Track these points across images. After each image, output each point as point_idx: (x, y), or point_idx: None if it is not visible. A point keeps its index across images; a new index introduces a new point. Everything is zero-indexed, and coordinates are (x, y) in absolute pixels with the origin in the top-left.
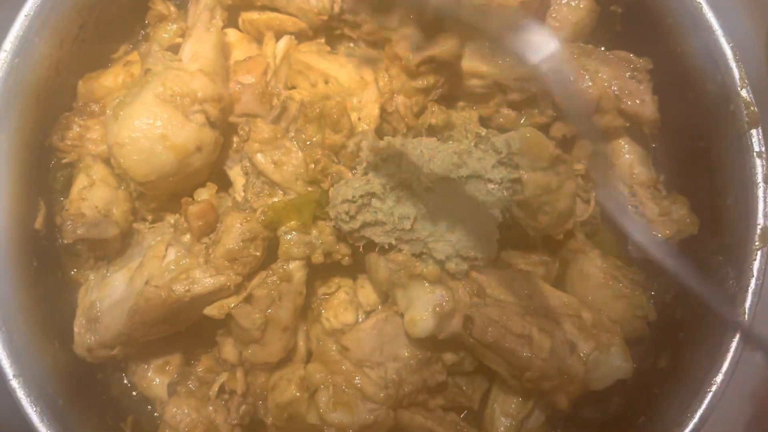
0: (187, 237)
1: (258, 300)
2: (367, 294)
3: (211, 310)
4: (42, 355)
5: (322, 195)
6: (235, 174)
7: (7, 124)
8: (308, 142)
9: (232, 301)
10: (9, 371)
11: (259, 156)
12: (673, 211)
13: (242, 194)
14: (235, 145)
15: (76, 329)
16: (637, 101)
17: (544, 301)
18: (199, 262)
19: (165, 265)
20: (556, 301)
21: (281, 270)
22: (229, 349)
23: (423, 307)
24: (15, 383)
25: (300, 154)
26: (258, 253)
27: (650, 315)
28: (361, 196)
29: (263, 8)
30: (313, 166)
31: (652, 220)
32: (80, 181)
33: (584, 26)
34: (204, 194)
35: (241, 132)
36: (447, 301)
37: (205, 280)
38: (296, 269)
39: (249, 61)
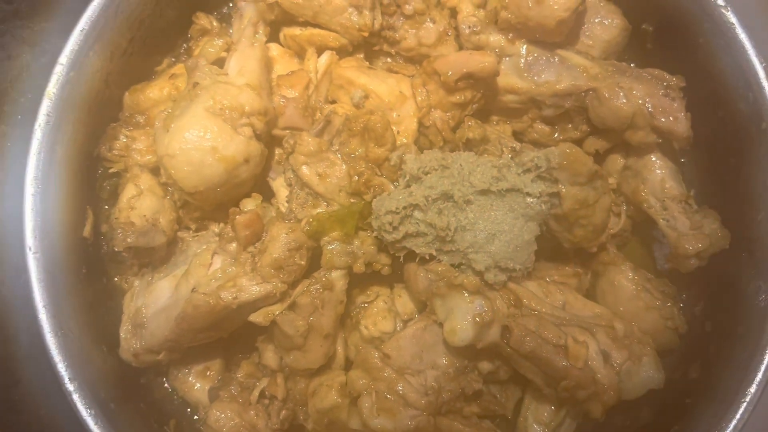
0: (233, 246)
1: (301, 308)
2: (405, 303)
3: (257, 317)
4: (92, 359)
5: (364, 207)
6: (278, 185)
7: (61, 135)
8: (352, 155)
9: (276, 309)
10: (65, 374)
11: (304, 168)
12: (705, 225)
13: (285, 205)
14: (277, 157)
15: (122, 335)
16: (671, 118)
17: (578, 312)
18: (245, 270)
19: (211, 273)
20: (590, 312)
21: (324, 279)
22: (270, 356)
23: (462, 316)
24: (70, 387)
25: (344, 166)
26: (303, 262)
27: (681, 326)
28: (404, 208)
29: (305, 24)
30: (356, 178)
31: (684, 233)
32: (128, 191)
33: (616, 44)
34: (250, 204)
35: (286, 145)
36: (486, 311)
37: (252, 288)
38: (338, 278)
39: (292, 75)
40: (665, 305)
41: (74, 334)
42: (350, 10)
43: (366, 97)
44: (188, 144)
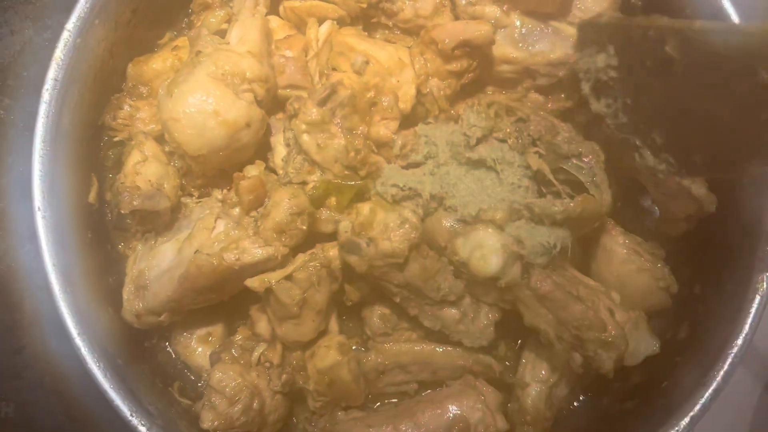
0: (236, 211)
1: (298, 281)
2: None
3: (253, 283)
4: (99, 320)
5: (363, 186)
6: (276, 142)
7: (69, 100)
8: (353, 131)
9: (273, 277)
10: (73, 330)
11: (305, 136)
12: (693, 190)
13: (281, 164)
14: (279, 116)
15: (125, 296)
16: None
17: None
18: (248, 233)
19: (215, 236)
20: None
21: (322, 257)
22: (263, 325)
23: (492, 245)
24: (79, 342)
25: (343, 141)
26: (304, 227)
27: (672, 286)
28: (410, 188)
29: None
30: (353, 154)
31: (673, 198)
32: (134, 157)
33: None
34: (253, 171)
35: (290, 107)
36: (513, 243)
37: (254, 250)
38: (335, 258)
39: (289, 38)
40: (656, 266)
41: (82, 294)
42: None
43: (367, 62)
44: (191, 108)
